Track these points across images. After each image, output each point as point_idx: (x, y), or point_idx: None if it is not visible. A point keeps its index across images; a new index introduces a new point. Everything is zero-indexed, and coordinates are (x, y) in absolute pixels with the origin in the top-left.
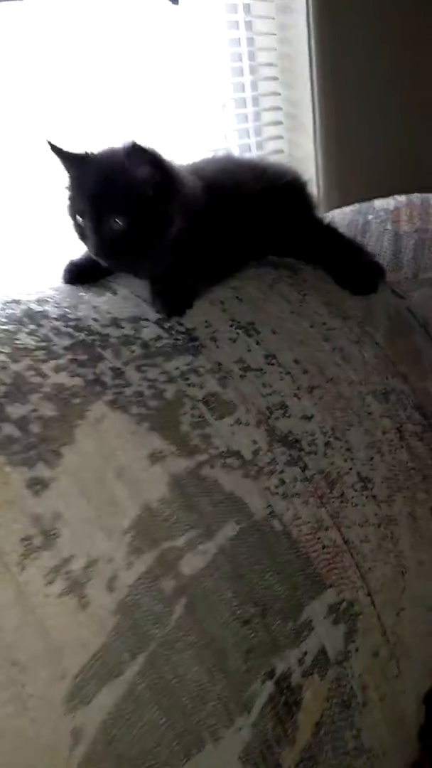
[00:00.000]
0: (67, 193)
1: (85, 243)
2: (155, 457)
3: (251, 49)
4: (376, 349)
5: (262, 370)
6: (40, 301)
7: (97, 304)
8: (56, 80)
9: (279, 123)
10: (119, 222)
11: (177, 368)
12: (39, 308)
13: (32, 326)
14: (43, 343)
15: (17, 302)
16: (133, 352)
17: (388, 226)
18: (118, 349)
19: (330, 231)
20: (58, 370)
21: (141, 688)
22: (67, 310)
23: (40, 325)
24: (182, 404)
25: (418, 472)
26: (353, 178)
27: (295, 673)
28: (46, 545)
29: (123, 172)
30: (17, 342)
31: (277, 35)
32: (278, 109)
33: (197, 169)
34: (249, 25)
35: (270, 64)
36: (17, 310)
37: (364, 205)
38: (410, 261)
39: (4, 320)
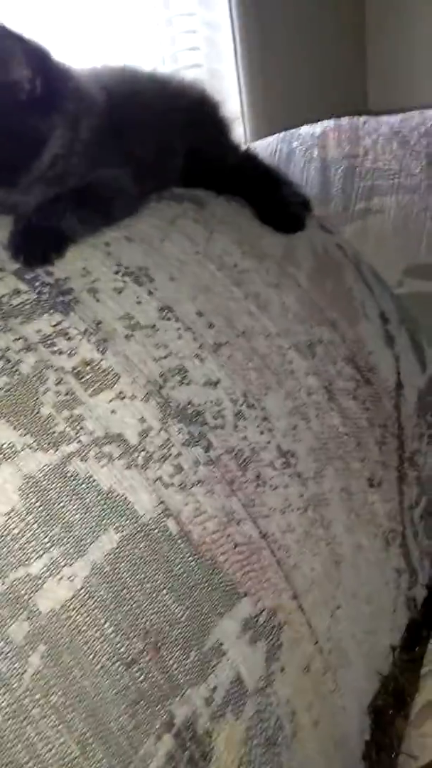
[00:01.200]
0: None
1: None
2: (2, 455)
3: None
4: (298, 292)
5: (154, 326)
6: None
7: None
8: None
9: (196, 49)
10: None
11: (39, 331)
12: None
13: None
14: None
15: None
16: None
17: (315, 153)
18: None
19: (248, 158)
20: None
21: None
22: None
23: None
24: (44, 380)
25: (351, 438)
26: (281, 108)
27: (201, 718)
28: None
29: None
30: None
31: None
32: (193, 32)
33: (94, 75)
34: None
35: None
36: None
37: (289, 132)
38: (339, 191)
39: None
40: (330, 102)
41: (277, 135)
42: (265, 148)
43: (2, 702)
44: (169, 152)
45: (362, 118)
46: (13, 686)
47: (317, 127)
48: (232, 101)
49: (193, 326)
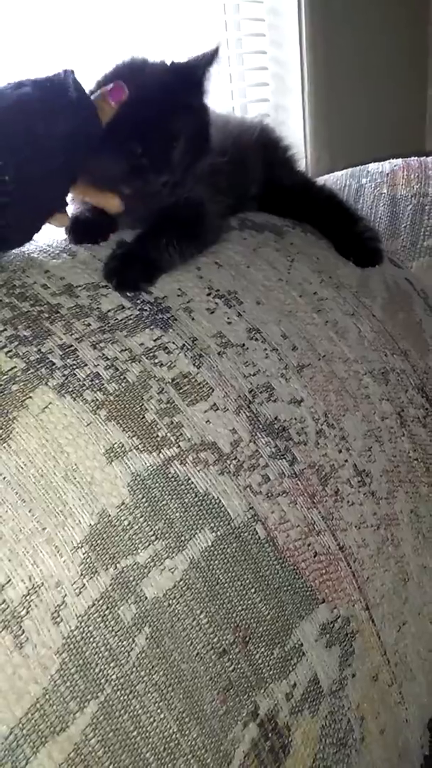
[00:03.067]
0: None
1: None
2: (114, 454)
3: (236, 2)
4: (373, 322)
5: (244, 345)
6: None
7: (51, 268)
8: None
9: (265, 84)
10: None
11: (142, 344)
12: None
13: None
14: None
15: None
16: (88, 325)
17: (384, 190)
18: (70, 322)
19: (323, 191)
20: None
21: (92, 746)
22: (12, 274)
23: None
24: (148, 388)
25: (420, 463)
26: (343, 143)
27: (282, 711)
28: None
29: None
30: None
31: None
32: (264, 69)
33: None
34: None
35: (256, 19)
36: None
37: (357, 168)
38: (408, 228)
39: None
40: (389, 141)
41: (345, 171)
42: (334, 183)
43: (113, 674)
44: (247, 183)
45: (430, 158)
46: (122, 661)
47: (386, 165)
48: (296, 136)
49: (279, 348)
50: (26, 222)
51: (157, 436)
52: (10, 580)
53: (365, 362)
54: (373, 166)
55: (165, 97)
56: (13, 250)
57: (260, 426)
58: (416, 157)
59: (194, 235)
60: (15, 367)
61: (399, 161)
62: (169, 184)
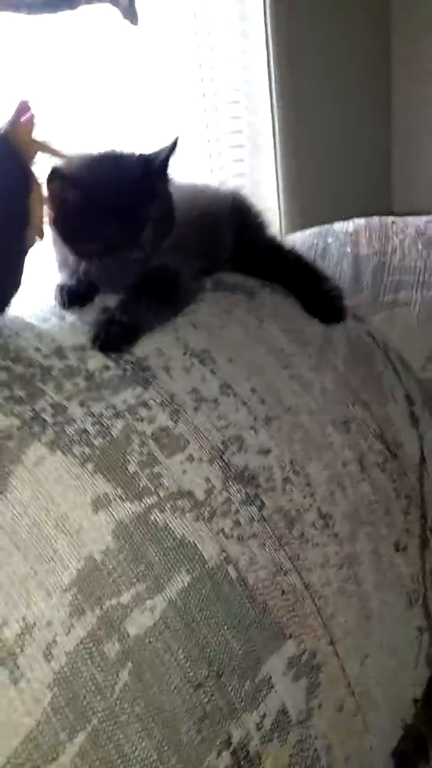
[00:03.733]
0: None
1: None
2: (100, 503)
3: (213, 74)
4: (335, 375)
5: (216, 401)
6: None
7: (42, 332)
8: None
9: (240, 146)
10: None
11: (125, 401)
12: None
13: None
14: None
15: None
16: (76, 384)
17: (348, 249)
18: (60, 382)
19: (288, 253)
20: None
21: None
22: (7, 339)
23: None
24: (130, 441)
25: (380, 506)
26: (314, 202)
27: (253, 740)
28: None
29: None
30: None
31: (239, 59)
32: (239, 132)
33: None
34: (211, 48)
35: (232, 88)
36: None
37: (324, 227)
38: (369, 284)
39: None
40: (357, 199)
41: (312, 230)
42: (303, 241)
43: (98, 706)
44: (219, 248)
45: (390, 219)
46: (107, 694)
47: (350, 225)
48: (270, 194)
49: (249, 402)
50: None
51: (139, 485)
52: (6, 622)
53: (328, 413)
54: (338, 226)
55: (136, 186)
56: (12, 316)
57: (232, 475)
58: (377, 217)
59: (170, 300)
60: (11, 425)
61: (362, 221)
62: (139, 259)
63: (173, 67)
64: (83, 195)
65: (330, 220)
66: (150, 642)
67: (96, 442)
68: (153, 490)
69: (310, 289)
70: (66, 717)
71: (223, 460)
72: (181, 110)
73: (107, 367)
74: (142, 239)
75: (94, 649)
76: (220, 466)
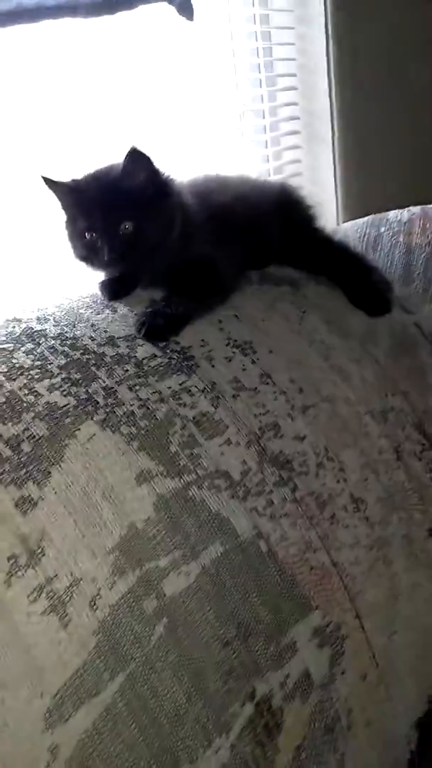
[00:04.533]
0: (66, 223)
1: (96, 257)
2: (143, 477)
3: (269, 59)
4: (376, 367)
5: (256, 389)
6: (40, 320)
7: (96, 322)
8: (68, 96)
9: (296, 133)
10: (128, 227)
11: (169, 387)
12: (39, 327)
13: (30, 345)
14: (39, 362)
15: (18, 321)
16: (126, 371)
17: (401, 239)
18: (112, 368)
19: (339, 245)
20: (51, 389)
21: (119, 708)
22: (65, 328)
23: (37, 344)
24: (173, 424)
25: (414, 493)
26: (372, 190)
27: (276, 696)
28: (32, 564)
29: (123, 182)
30: (14, 360)
31: (296, 45)
32: (296, 119)
33: (186, 185)
34: (267, 35)
35: (288, 75)
36: (18, 329)
37: (377, 216)
38: (421, 275)
39: (3, 339)
40: (420, 191)
41: (365, 219)
42: (354, 231)
43: (136, 653)
44: (264, 241)
45: None
46: (144, 644)
47: (404, 213)
48: (328, 186)
49: (287, 391)
50: None
51: (179, 464)
52: (57, 575)
53: (366, 403)
54: (392, 215)
55: (117, 185)
56: (67, 306)
57: (267, 458)
58: None
59: (210, 291)
60: (68, 404)
61: (417, 209)
62: (115, 259)
63: (231, 56)
64: (71, 202)
65: (389, 209)
66: (184, 601)
67: (142, 423)
68: (192, 468)
69: (356, 281)
70: (108, 660)
71: (260, 445)
72: (239, 100)
73: (155, 356)
74: (119, 239)
75: (134, 603)
76: (256, 450)
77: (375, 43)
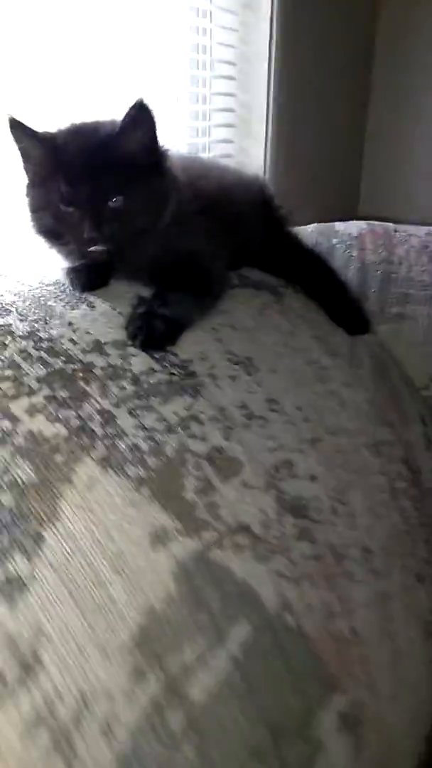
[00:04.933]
0: (28, 186)
1: (72, 234)
2: (158, 538)
3: (211, 44)
4: (365, 393)
5: (265, 418)
6: (0, 310)
7: (73, 320)
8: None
9: (231, 126)
10: (117, 201)
11: (175, 413)
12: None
13: None
14: (10, 372)
15: None
16: (123, 389)
17: (354, 254)
18: (105, 384)
19: (310, 254)
20: (32, 411)
21: None
22: (35, 325)
23: (3, 345)
24: (184, 462)
25: (407, 536)
26: (298, 193)
27: None
28: (25, 681)
29: (118, 144)
30: None
31: (239, 32)
32: (231, 110)
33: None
34: (211, 15)
35: (228, 62)
36: None
37: (325, 226)
38: (376, 294)
39: None
40: (324, 201)
41: (313, 226)
42: (305, 238)
43: None
44: (246, 239)
45: (391, 226)
46: None
47: (352, 227)
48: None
49: (295, 421)
50: None
51: (197, 518)
52: (60, 695)
53: (362, 435)
54: (340, 226)
55: (110, 147)
56: (29, 295)
57: (286, 505)
58: (378, 222)
59: (204, 290)
60: (57, 433)
61: (364, 225)
62: (96, 239)
63: (170, 34)
64: (44, 160)
65: (312, 215)
66: (213, 707)
67: (150, 462)
68: (212, 523)
69: (334, 296)
70: None
71: (277, 488)
72: (175, 81)
73: (153, 370)
74: (104, 216)
75: (157, 720)
76: (275, 495)
77: (316, 42)
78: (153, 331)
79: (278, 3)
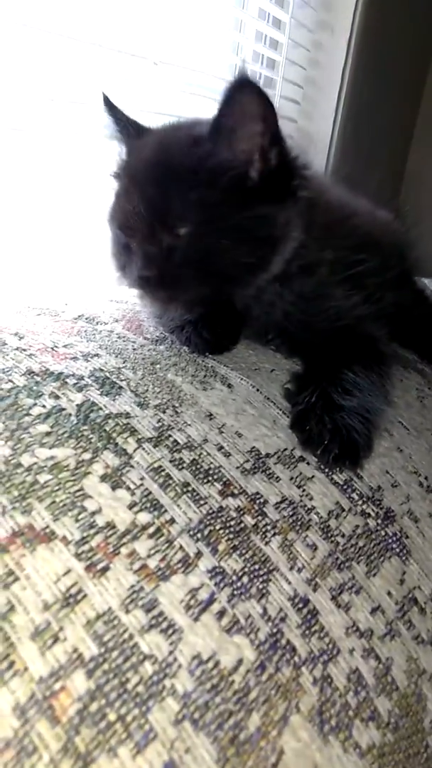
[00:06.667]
0: (114, 186)
1: (124, 270)
2: None
3: (282, 60)
4: None
5: None
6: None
7: (213, 410)
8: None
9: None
10: (182, 230)
11: (390, 594)
12: (97, 396)
13: (114, 458)
14: (147, 517)
15: (52, 373)
16: (314, 548)
17: None
18: (288, 539)
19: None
20: (194, 610)
21: None
22: (162, 416)
23: (127, 457)
24: (420, 700)
25: None
26: None
27: None
28: None
29: (196, 153)
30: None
31: (311, 53)
32: (290, 137)
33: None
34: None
35: (295, 84)
36: (53, 388)
37: None
38: None
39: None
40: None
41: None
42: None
43: None
44: (392, 290)
45: None
46: None
47: None
48: None
49: None
50: None
51: None
52: None
53: None
54: None
55: (189, 160)
56: (136, 357)
57: None
58: None
59: (383, 370)
60: (242, 658)
61: None
62: (151, 281)
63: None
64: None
65: None
66: None
67: (382, 708)
68: None
69: None
70: None
71: None
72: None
73: (342, 510)
74: (162, 250)
75: None
76: None
77: (385, 73)
78: (349, 440)
79: (359, 26)
